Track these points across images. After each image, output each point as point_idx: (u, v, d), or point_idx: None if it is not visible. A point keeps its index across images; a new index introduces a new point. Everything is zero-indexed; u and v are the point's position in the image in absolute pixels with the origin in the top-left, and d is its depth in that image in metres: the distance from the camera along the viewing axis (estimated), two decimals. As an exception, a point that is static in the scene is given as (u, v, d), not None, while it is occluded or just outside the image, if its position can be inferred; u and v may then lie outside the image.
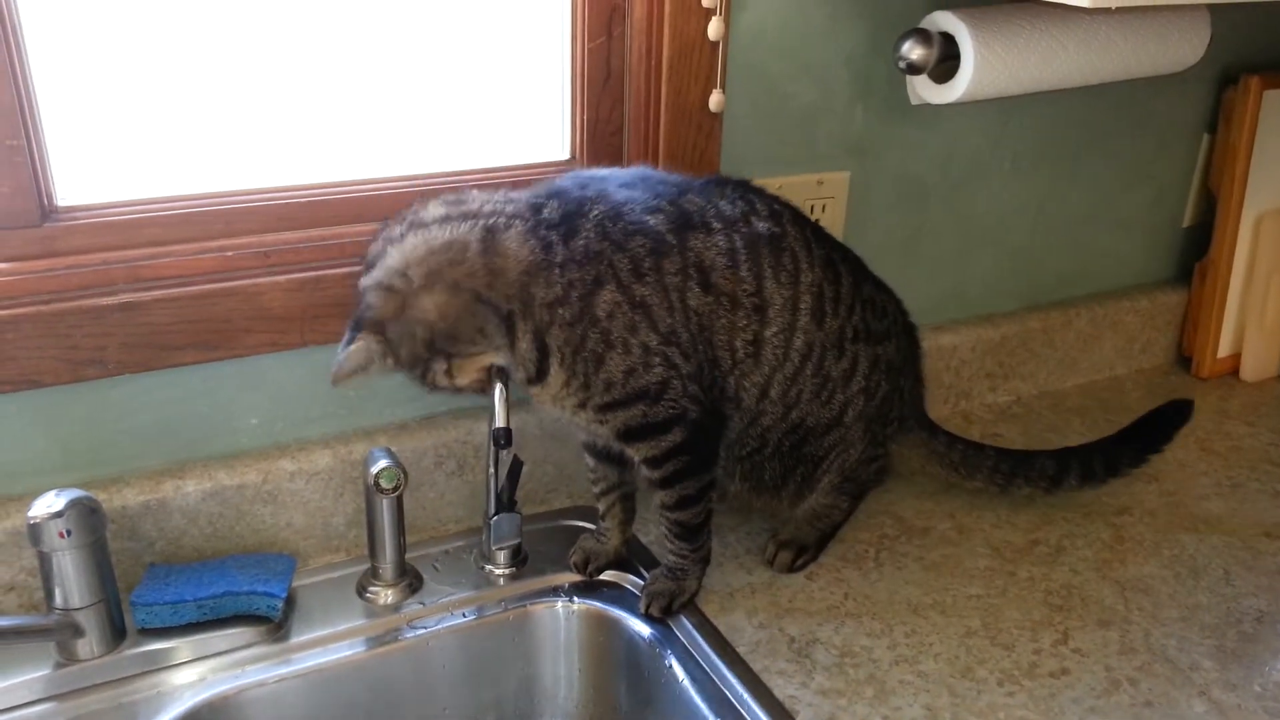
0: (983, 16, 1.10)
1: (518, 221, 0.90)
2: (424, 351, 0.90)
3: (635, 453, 0.98)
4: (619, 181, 0.96)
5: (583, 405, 0.95)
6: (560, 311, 0.90)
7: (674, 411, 0.95)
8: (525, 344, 0.91)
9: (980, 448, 1.18)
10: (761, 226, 0.97)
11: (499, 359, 0.92)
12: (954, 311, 1.44)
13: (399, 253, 0.89)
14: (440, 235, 0.89)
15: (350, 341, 0.89)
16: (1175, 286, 1.59)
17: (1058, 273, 1.50)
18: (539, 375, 0.93)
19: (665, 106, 1.11)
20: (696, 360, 0.95)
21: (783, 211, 1.01)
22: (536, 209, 0.91)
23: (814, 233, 1.03)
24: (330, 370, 0.89)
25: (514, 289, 0.89)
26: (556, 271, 0.89)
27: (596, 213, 0.91)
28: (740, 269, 0.95)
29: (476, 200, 0.92)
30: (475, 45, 1.11)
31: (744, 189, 1.01)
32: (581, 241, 0.90)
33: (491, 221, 0.89)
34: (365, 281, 0.91)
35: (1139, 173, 1.50)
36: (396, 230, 0.91)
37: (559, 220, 0.91)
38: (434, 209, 0.91)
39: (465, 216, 0.90)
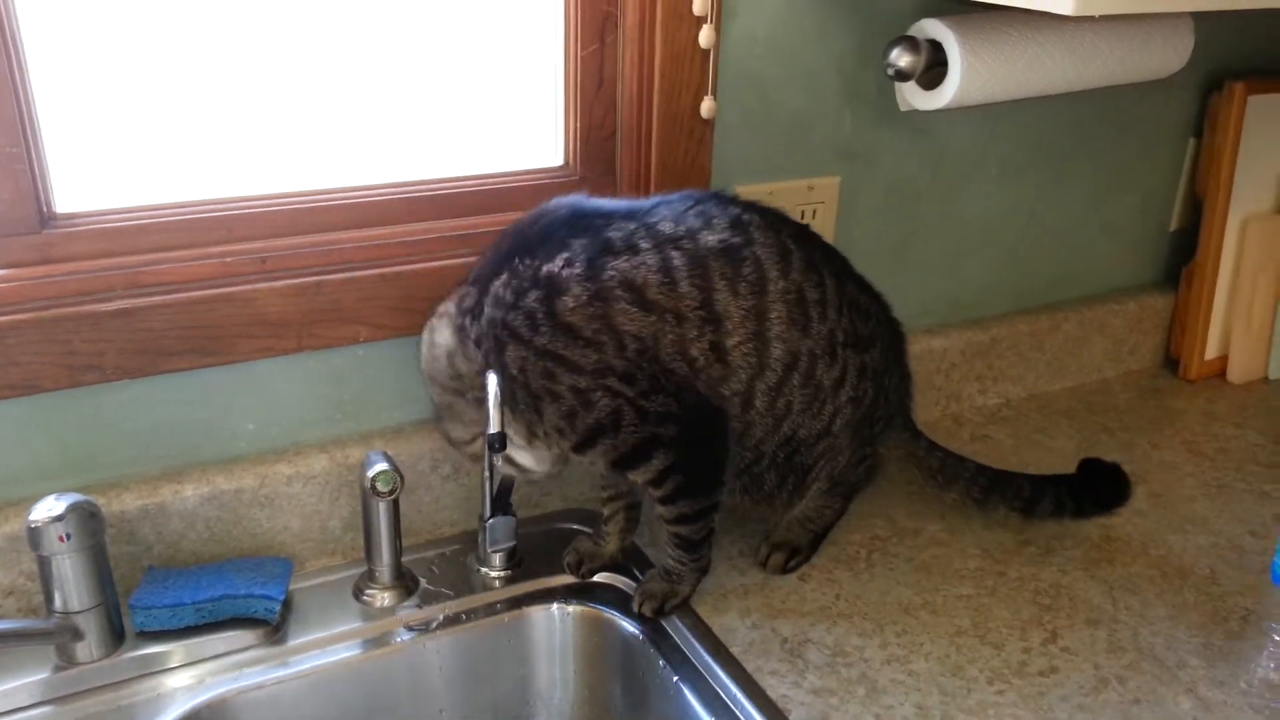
0: (969, 24, 1.11)
1: (444, 319, 1.00)
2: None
3: (634, 477, 0.99)
4: (542, 230, 0.96)
5: (550, 449, 1.00)
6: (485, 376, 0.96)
7: (640, 437, 0.95)
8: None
9: (961, 460, 1.18)
10: (712, 239, 0.96)
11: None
12: (944, 314, 1.45)
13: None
14: (424, 338, 1.03)
15: None
16: (1162, 290, 1.60)
17: (1046, 276, 1.52)
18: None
19: (657, 113, 1.12)
20: (645, 379, 0.94)
21: (750, 220, 0.99)
22: (461, 299, 0.99)
23: (794, 236, 1.01)
24: None
25: (450, 373, 1.00)
26: (472, 347, 0.97)
27: (496, 285, 0.95)
28: (679, 285, 0.94)
29: (441, 304, 1.03)
30: (470, 53, 1.12)
31: (704, 202, 0.99)
32: (483, 316, 0.96)
33: (431, 322, 1.02)
34: None
35: (1126, 177, 1.52)
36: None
37: (474, 305, 0.97)
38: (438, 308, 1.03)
39: (433, 314, 1.03)
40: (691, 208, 0.99)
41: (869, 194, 1.31)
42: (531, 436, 0.99)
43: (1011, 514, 1.17)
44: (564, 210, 0.98)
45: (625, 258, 0.94)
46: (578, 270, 0.93)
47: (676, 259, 0.95)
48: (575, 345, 0.93)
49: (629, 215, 0.97)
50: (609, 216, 0.97)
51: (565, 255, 0.94)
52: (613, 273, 0.93)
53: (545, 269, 0.94)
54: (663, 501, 1.00)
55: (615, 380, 0.94)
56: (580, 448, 0.97)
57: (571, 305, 0.92)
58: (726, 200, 1.01)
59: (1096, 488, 1.18)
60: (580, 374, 0.93)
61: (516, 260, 0.95)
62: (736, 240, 0.97)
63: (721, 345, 0.96)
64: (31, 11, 0.92)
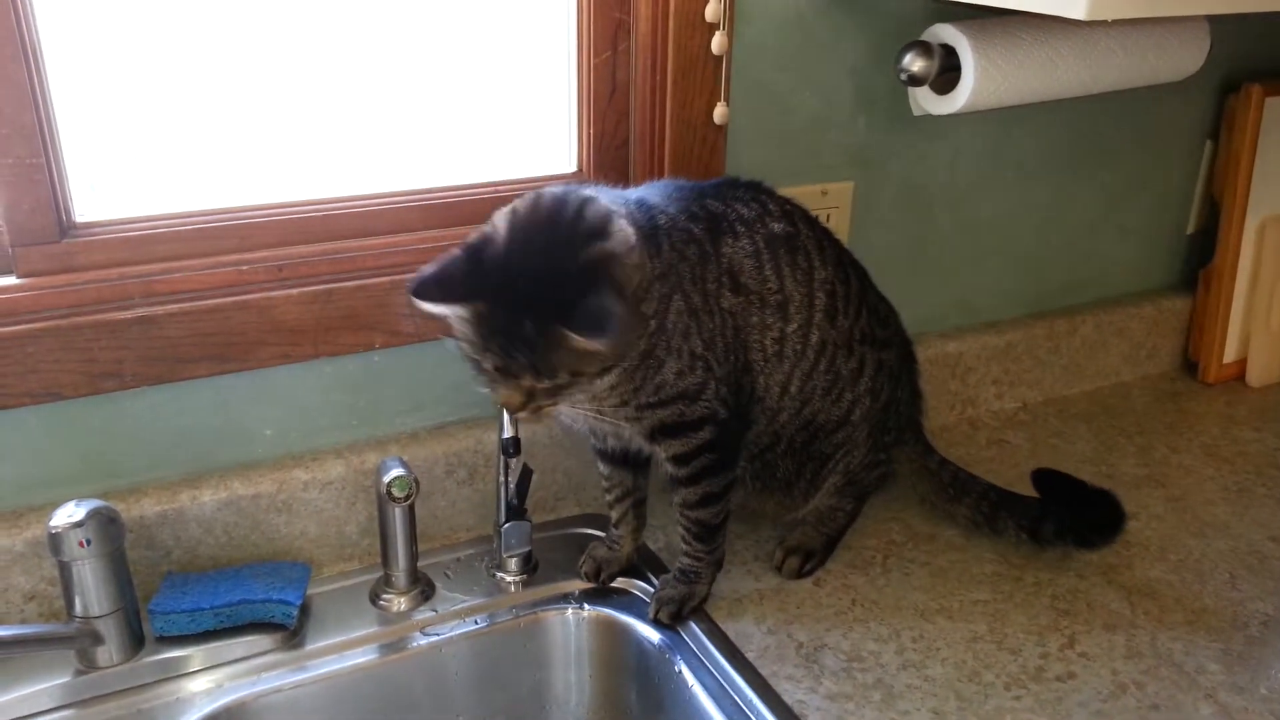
0: (983, 28, 1.11)
1: (623, 220, 0.89)
2: None
3: (665, 450, 1.00)
4: (642, 190, 0.99)
5: (624, 403, 0.95)
6: (651, 322, 0.91)
7: (707, 410, 0.97)
8: None
9: (972, 476, 1.18)
10: (776, 227, 1.00)
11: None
12: (959, 319, 1.45)
13: (621, 236, 0.89)
14: (631, 231, 0.90)
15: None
16: (1180, 293, 1.59)
17: (1063, 280, 1.51)
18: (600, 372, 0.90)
19: (670, 120, 1.13)
20: (728, 366, 0.98)
21: (794, 211, 1.03)
22: (630, 212, 0.92)
23: (824, 233, 1.06)
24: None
25: (642, 295, 0.90)
26: (656, 285, 0.91)
27: (663, 222, 0.94)
28: (764, 269, 0.99)
29: (621, 200, 0.94)
30: (483, 61, 1.13)
31: (755, 190, 1.03)
32: (664, 255, 0.92)
33: (639, 236, 0.90)
34: (608, 248, 0.90)
35: (1142, 180, 1.51)
36: (601, 209, 0.91)
37: (649, 228, 0.92)
38: (604, 194, 0.94)
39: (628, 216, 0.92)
40: (745, 193, 1.02)
41: (883, 199, 1.31)
42: (611, 390, 0.93)
43: (1021, 534, 1.14)
44: (644, 185, 1.01)
45: (729, 239, 0.98)
46: (710, 248, 0.96)
47: (760, 244, 0.99)
48: (706, 310, 0.95)
49: (705, 193, 1.00)
50: (696, 190, 1.00)
51: (700, 225, 0.96)
52: (724, 257, 0.97)
53: (694, 229, 0.96)
54: (689, 482, 1.00)
55: (713, 357, 0.96)
56: (654, 406, 0.95)
57: (711, 276, 0.96)
58: (768, 190, 1.04)
59: (1095, 515, 1.13)
60: (700, 340, 0.95)
61: (658, 201, 0.95)
62: (791, 230, 1.01)
63: (784, 334, 1.00)
64: (51, 24, 0.93)
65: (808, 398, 1.04)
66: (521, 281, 0.83)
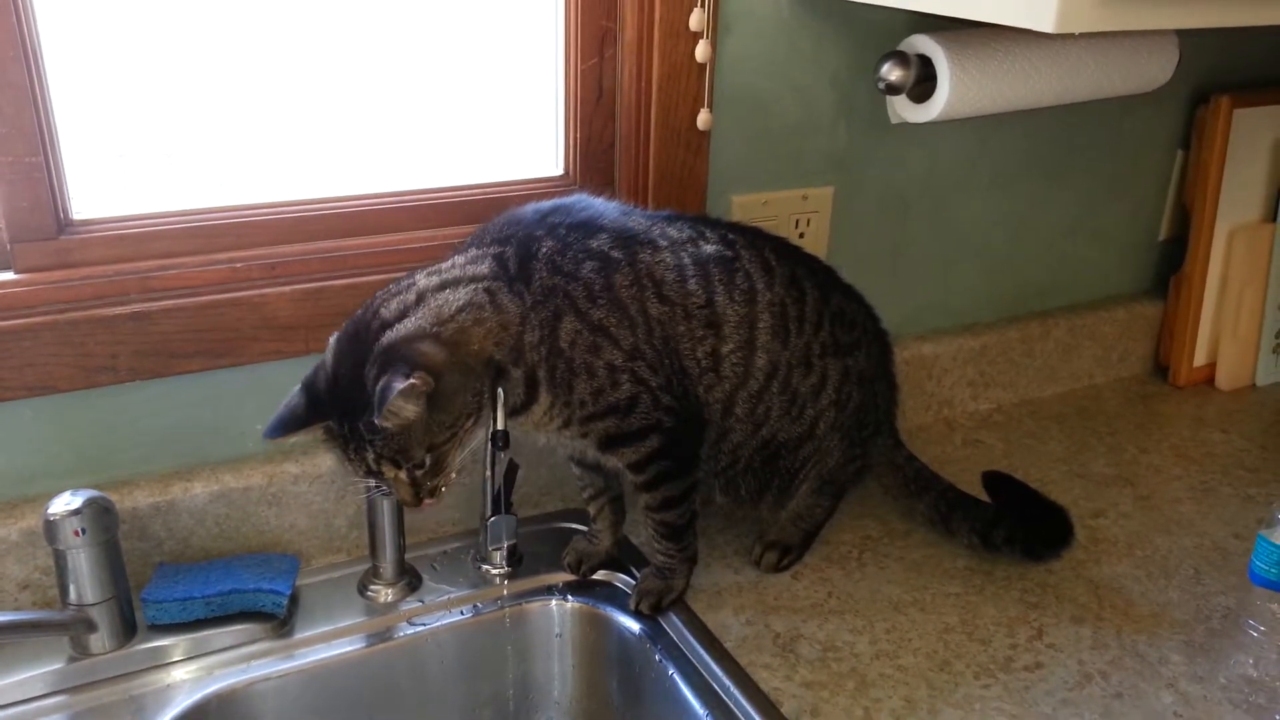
0: (958, 39, 1.14)
1: (500, 283, 0.94)
2: (471, 400, 0.91)
3: (619, 459, 1.02)
4: (569, 221, 0.99)
5: (566, 424, 0.99)
6: (541, 349, 0.95)
7: (646, 422, 0.99)
8: (517, 384, 0.95)
9: (935, 475, 1.20)
10: (709, 249, 1.02)
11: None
12: (936, 321, 1.48)
13: (429, 313, 0.91)
14: (455, 299, 0.92)
15: (397, 379, 0.84)
16: (1152, 298, 1.63)
17: (1037, 284, 1.55)
18: (527, 402, 0.96)
19: (655, 125, 1.15)
20: (665, 373, 0.99)
21: (736, 239, 1.04)
22: (503, 263, 0.95)
23: (776, 252, 1.06)
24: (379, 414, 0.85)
25: (514, 340, 0.93)
26: (532, 316, 0.94)
27: (545, 250, 0.96)
28: (688, 283, 0.99)
29: (458, 267, 0.95)
30: (472, 65, 1.15)
31: (695, 220, 1.05)
32: (538, 282, 0.95)
33: (488, 284, 0.93)
34: (393, 336, 0.89)
35: (1115, 188, 1.54)
36: (411, 296, 0.92)
37: (518, 271, 0.95)
38: (426, 280, 0.94)
39: (461, 282, 0.93)
40: (682, 221, 1.04)
41: (862, 204, 1.34)
42: (548, 411, 0.97)
43: (972, 537, 1.16)
44: (574, 199, 1.03)
45: (649, 250, 0.99)
46: (619, 255, 0.98)
47: (685, 260, 1.00)
48: (622, 324, 0.97)
49: (634, 213, 1.03)
50: (622, 211, 1.02)
51: (605, 236, 0.98)
52: (641, 264, 0.98)
53: (594, 244, 0.97)
54: (646, 487, 1.03)
55: (644, 366, 0.97)
56: (589, 420, 0.98)
57: (625, 282, 0.97)
58: (711, 221, 1.07)
59: (1046, 528, 1.15)
60: (619, 351, 0.96)
61: (562, 231, 0.97)
62: (729, 254, 1.02)
63: (718, 353, 1.01)
64: (50, 24, 0.95)
65: (761, 420, 1.05)
66: (342, 391, 0.90)
